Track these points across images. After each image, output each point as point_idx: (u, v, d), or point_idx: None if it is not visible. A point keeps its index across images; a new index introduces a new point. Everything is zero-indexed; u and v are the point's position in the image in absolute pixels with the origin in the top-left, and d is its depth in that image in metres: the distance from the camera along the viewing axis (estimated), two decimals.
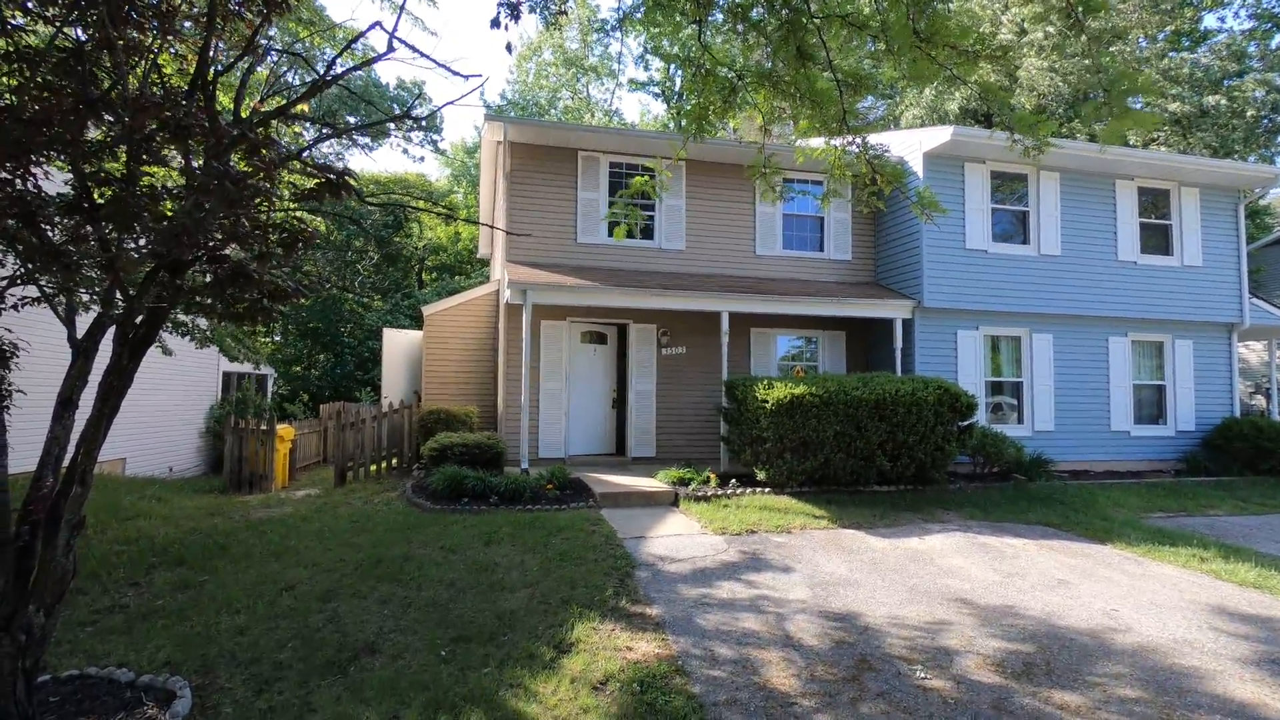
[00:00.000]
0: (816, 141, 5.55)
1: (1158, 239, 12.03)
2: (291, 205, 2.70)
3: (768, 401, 8.36)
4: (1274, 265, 19.50)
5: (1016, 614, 5.10)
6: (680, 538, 6.96)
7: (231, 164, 2.40)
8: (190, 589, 5.63)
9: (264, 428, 11.56)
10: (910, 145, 11.06)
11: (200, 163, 2.50)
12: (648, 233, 11.31)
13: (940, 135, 10.40)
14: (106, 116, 2.53)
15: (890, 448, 8.63)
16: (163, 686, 3.70)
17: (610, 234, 11.12)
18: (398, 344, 12.63)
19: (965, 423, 9.07)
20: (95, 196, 2.50)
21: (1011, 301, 11.15)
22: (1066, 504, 8.67)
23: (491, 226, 5.64)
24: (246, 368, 19.25)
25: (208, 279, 3.44)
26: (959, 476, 9.86)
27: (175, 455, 14.83)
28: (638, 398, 11.03)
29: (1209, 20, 21.84)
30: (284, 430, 12.01)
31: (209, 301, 3.14)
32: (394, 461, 11.78)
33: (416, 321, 26.09)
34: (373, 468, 11.43)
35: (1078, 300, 11.42)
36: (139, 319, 2.94)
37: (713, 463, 10.09)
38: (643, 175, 5.51)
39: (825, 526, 7.49)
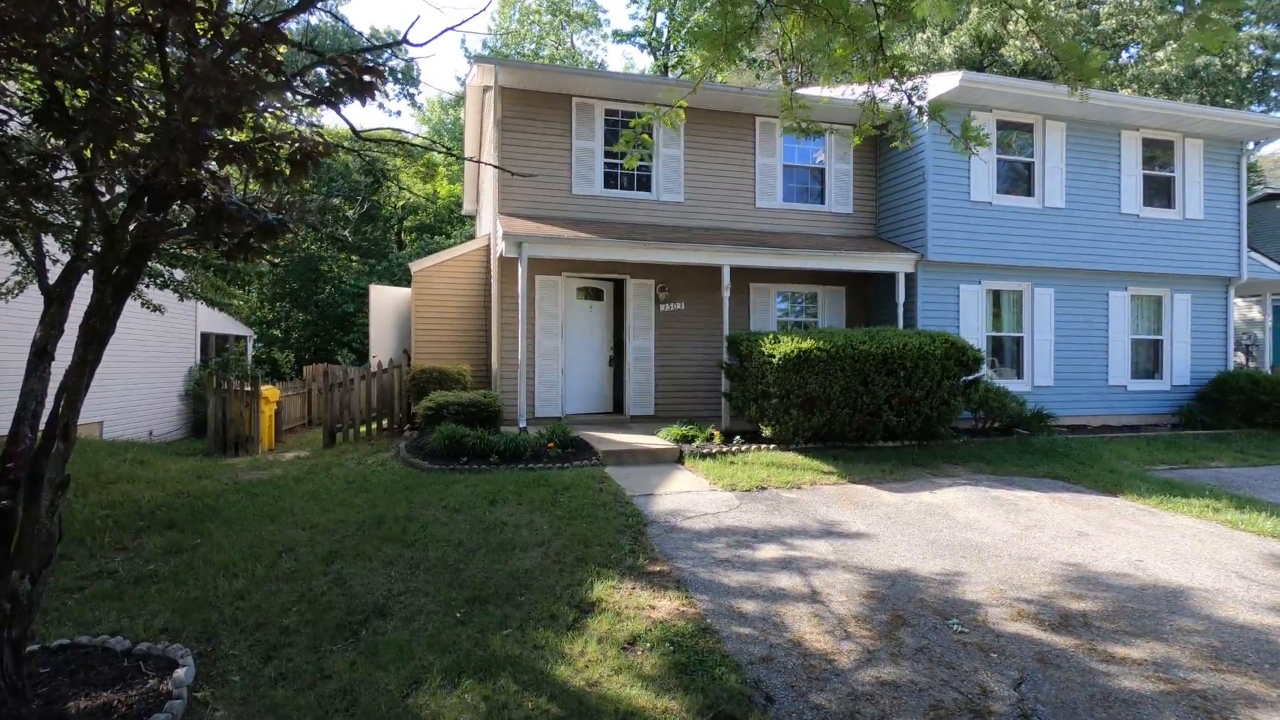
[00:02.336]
0: (837, 94, 5.22)
1: (1160, 191, 11.87)
2: (305, 106, 2.38)
3: (774, 356, 8.15)
4: (1262, 222, 19.54)
5: (1041, 566, 5.00)
6: (690, 494, 6.79)
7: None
8: (183, 553, 5.36)
9: (249, 389, 11.16)
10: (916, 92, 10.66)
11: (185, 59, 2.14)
12: (644, 184, 10.91)
13: (948, 81, 10.06)
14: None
15: (897, 402, 8.49)
16: (162, 654, 3.45)
17: (606, 185, 10.70)
18: (385, 301, 12.20)
19: (971, 377, 8.95)
20: (67, 104, 2.14)
21: (1015, 255, 10.98)
22: (1071, 457, 8.63)
23: (497, 167, 5.25)
24: (226, 328, 18.68)
25: (185, 224, 3.09)
26: (962, 431, 9.79)
27: (154, 418, 14.38)
28: (636, 355, 10.77)
29: None
30: (269, 391, 11.62)
31: (194, 238, 2.80)
32: (384, 422, 11.49)
33: (395, 281, 25.52)
34: (362, 429, 11.14)
35: (1080, 254, 11.28)
36: (123, 252, 2.60)
37: (714, 420, 9.91)
38: (649, 113, 5.17)
39: (835, 482, 7.36)
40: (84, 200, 2.30)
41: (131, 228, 2.59)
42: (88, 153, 2.20)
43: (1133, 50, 21.95)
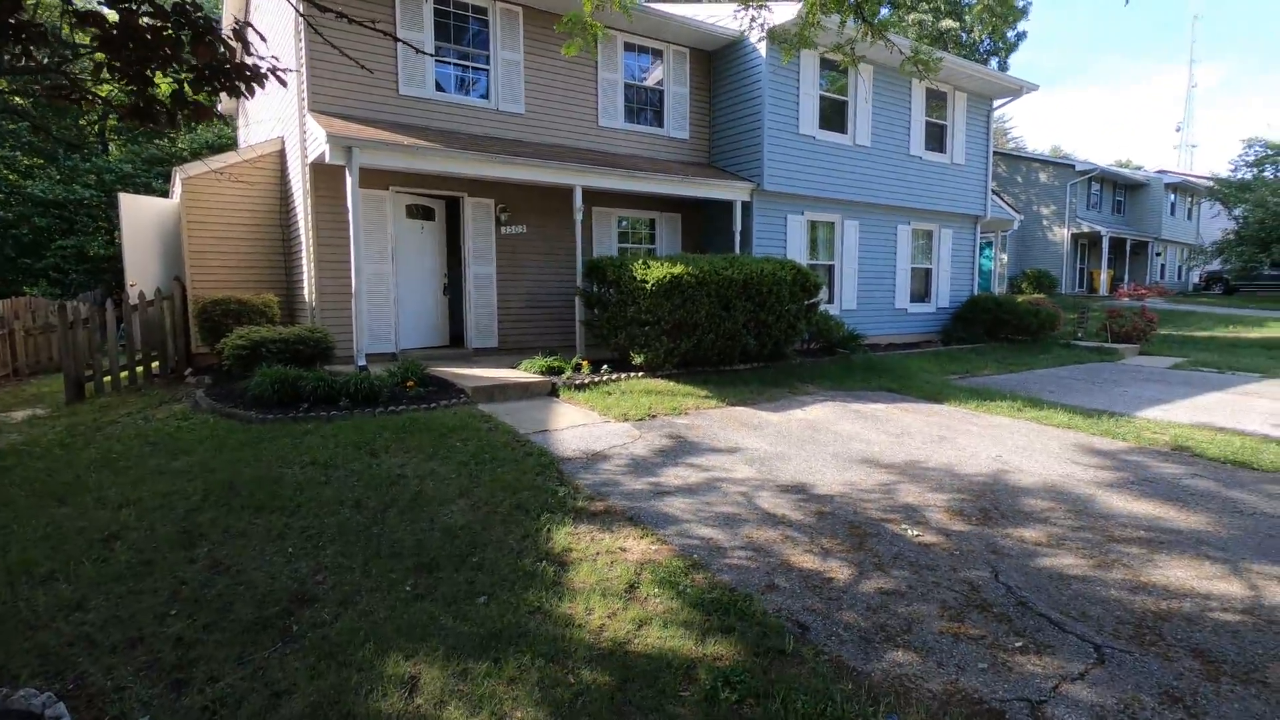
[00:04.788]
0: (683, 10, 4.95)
1: (935, 137, 13.53)
2: None
3: (648, 282, 7.93)
4: None
5: (933, 468, 5.54)
6: (586, 428, 6.44)
7: None
8: None
9: None
10: (750, 19, 10.76)
11: None
12: (481, 90, 9.75)
13: (789, 11, 10.22)
14: None
15: (753, 326, 8.82)
16: (20, 709, 2.37)
17: (438, 89, 9.36)
18: (143, 216, 9.59)
19: (810, 301, 9.58)
20: None
21: (832, 188, 11.84)
22: (888, 372, 9.74)
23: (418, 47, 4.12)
24: None
25: None
26: (796, 353, 10.52)
27: None
28: (476, 283, 9.83)
29: None
30: None
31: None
32: (154, 367, 9.28)
33: (104, 193, 20.66)
34: (123, 375, 8.87)
35: (880, 190, 12.52)
36: None
37: (566, 350, 9.50)
38: None
39: (715, 405, 7.49)
40: None
41: None
42: None
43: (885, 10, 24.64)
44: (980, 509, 4.65)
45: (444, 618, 3.16)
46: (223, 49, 1.72)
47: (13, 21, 1.52)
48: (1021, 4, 23.88)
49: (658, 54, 11.27)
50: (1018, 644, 2.99)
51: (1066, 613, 3.26)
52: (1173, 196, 31.47)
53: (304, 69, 8.40)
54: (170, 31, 1.63)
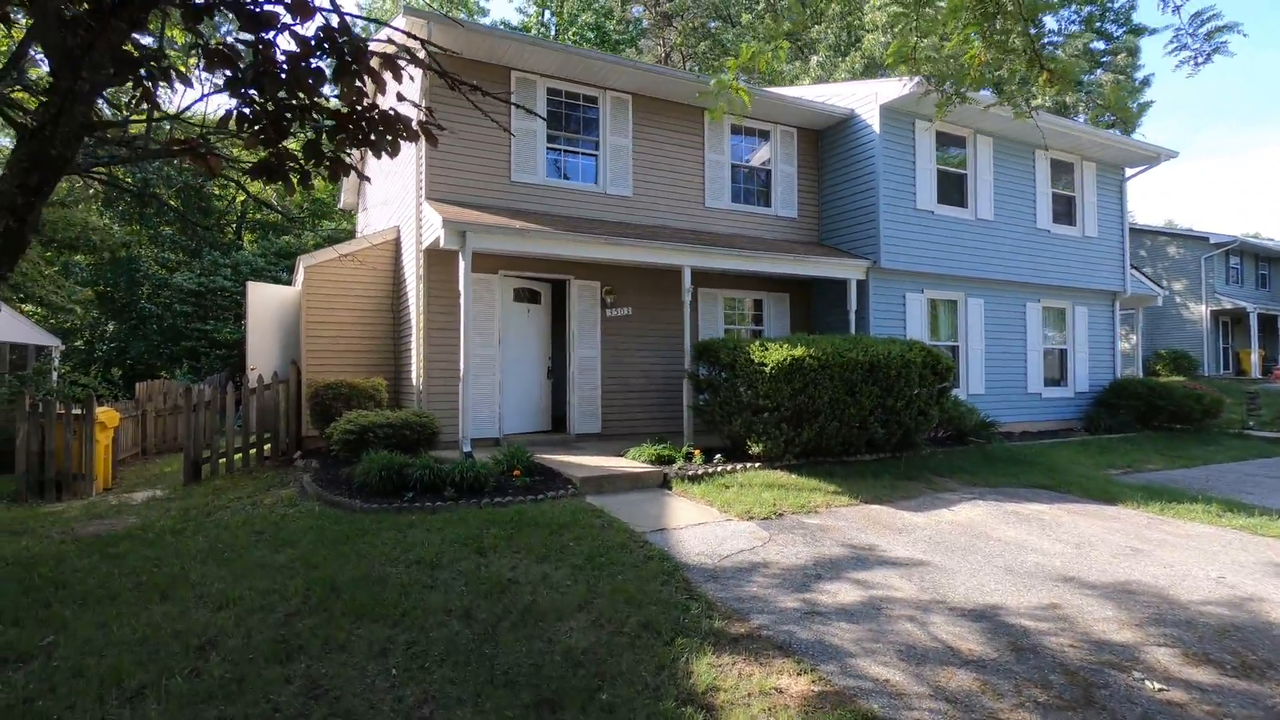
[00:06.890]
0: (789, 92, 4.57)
1: (1064, 210, 12.60)
2: None
3: (766, 365, 7.37)
4: None
5: (1140, 592, 4.53)
6: (707, 527, 5.78)
7: None
8: (31, 660, 3.58)
9: (78, 411, 8.63)
10: (865, 97, 10.49)
11: None
12: (589, 174, 9.80)
13: (896, 89, 9.88)
14: None
15: (880, 413, 8.02)
16: None
17: (549, 174, 9.46)
18: (267, 303, 10.02)
19: (942, 386, 8.70)
20: None
21: (952, 264, 11.08)
22: (1034, 465, 8.61)
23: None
24: (22, 335, 14.97)
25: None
26: (924, 441, 9.55)
27: None
28: (580, 366, 9.56)
29: (1048, 22, 24.15)
30: (106, 415, 9.11)
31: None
32: (265, 449, 9.40)
33: (239, 283, 22.28)
34: (237, 458, 8.98)
35: (1005, 265, 11.64)
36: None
37: (672, 437, 8.95)
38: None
39: (847, 503, 6.67)
40: None
41: None
42: None
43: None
44: (1232, 652, 3.63)
45: None
46: (371, 88, 1.39)
47: (127, 50, 1.27)
48: (1141, 77, 22.67)
49: (764, 134, 11.11)
50: None
51: None
52: None
53: (423, 161, 8.65)
54: (308, 63, 1.32)
